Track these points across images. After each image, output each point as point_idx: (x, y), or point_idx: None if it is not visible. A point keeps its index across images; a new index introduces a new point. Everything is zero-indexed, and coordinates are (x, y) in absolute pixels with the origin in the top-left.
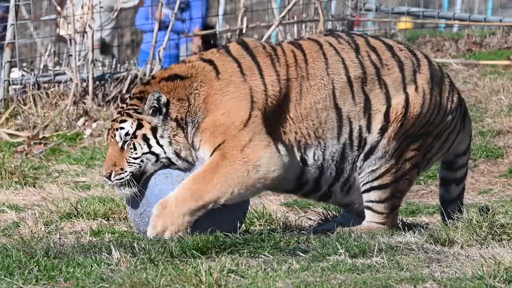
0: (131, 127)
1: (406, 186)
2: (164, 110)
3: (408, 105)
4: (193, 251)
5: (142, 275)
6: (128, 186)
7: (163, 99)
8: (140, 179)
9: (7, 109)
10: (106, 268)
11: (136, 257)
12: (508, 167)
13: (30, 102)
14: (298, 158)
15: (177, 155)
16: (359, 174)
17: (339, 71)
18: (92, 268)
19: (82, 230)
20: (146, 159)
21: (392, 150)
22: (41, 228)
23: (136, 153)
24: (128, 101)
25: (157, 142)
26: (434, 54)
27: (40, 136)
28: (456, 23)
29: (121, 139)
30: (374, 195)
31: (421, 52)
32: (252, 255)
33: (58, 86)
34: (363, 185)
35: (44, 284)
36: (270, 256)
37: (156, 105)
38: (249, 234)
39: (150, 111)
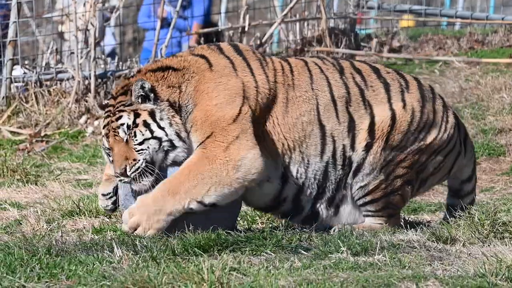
0: (129, 118)
1: (399, 201)
2: (151, 95)
3: (394, 123)
4: (195, 249)
5: (144, 273)
6: (145, 176)
7: (147, 85)
8: (154, 171)
9: (9, 107)
10: (108, 266)
11: (138, 255)
12: (510, 165)
13: (32, 99)
14: (280, 174)
15: (178, 135)
16: (350, 189)
17: (323, 88)
18: (94, 266)
19: (84, 228)
20: (151, 144)
21: (379, 167)
22: (43, 226)
23: (137, 140)
24: (111, 102)
25: (158, 126)
26: (436, 52)
27: (42, 134)
28: (458, 21)
29: (125, 133)
30: (368, 207)
31: (410, 75)
32: (254, 253)
33: (60, 83)
34: (356, 200)
35: (46, 282)
36: (272, 254)
37: (143, 93)
38: (251, 232)
39: (139, 99)
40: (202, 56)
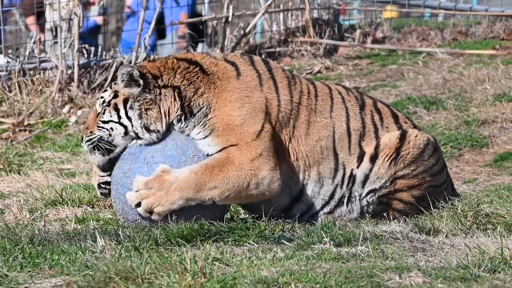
0: (109, 95)
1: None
2: (141, 82)
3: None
4: (178, 239)
5: (126, 263)
6: (98, 152)
7: (135, 73)
8: (111, 151)
9: None
10: (91, 255)
11: (121, 245)
12: (493, 157)
13: (15, 89)
14: (297, 190)
15: (146, 128)
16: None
17: (341, 118)
18: (77, 256)
19: (67, 217)
20: (116, 128)
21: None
22: (25, 215)
23: (103, 118)
24: None
25: (126, 114)
26: (419, 43)
27: (25, 123)
28: (442, 12)
29: (100, 106)
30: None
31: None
32: (237, 243)
33: (44, 73)
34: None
35: (29, 271)
36: (255, 244)
37: (127, 79)
38: (234, 222)
39: (122, 84)
40: (232, 64)
